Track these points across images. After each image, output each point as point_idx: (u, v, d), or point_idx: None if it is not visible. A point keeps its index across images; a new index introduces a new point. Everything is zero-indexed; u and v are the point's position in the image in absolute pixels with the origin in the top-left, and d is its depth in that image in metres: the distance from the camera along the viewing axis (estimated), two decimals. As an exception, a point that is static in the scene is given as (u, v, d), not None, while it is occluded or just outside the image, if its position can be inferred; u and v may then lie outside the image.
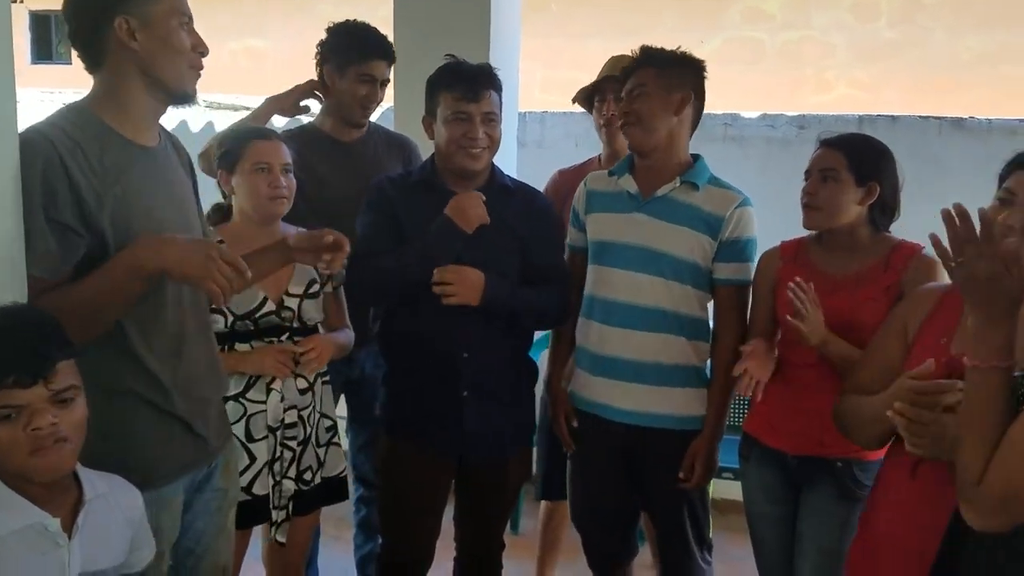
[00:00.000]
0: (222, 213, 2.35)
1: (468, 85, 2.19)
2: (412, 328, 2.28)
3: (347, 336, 2.46)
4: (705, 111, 2.40)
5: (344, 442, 2.61)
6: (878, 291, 2.03)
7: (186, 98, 1.75)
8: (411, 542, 2.39)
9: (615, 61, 2.81)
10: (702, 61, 2.32)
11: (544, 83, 7.54)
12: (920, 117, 3.86)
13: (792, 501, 2.19)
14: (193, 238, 1.74)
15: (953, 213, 1.29)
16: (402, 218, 2.25)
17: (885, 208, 2.12)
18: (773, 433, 2.21)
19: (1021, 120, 3.79)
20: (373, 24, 2.87)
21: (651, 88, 2.22)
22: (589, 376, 2.39)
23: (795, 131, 3.89)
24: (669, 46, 2.34)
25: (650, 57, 2.25)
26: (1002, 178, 1.69)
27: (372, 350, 2.58)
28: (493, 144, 2.25)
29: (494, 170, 2.33)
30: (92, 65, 1.70)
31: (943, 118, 3.84)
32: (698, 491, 2.38)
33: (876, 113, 3.92)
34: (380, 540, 2.55)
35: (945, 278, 1.91)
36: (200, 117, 5.30)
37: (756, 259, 2.31)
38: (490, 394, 2.30)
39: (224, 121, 5.31)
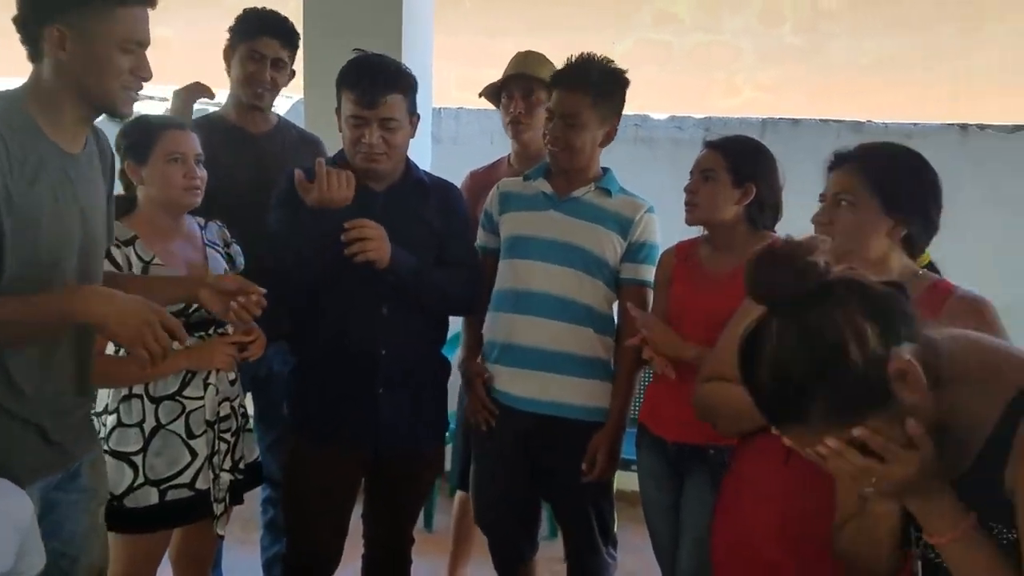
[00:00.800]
0: (128, 204, 2.28)
1: (366, 89, 2.16)
2: (328, 326, 2.26)
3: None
4: None
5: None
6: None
7: (115, 115, 1.74)
8: (318, 541, 2.37)
9: (522, 58, 2.83)
10: (629, 81, 2.38)
11: (460, 80, 7.54)
12: (820, 121, 4.00)
13: (676, 488, 2.27)
14: (135, 298, 1.68)
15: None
16: (316, 211, 2.22)
17: (764, 208, 2.22)
18: (656, 420, 2.29)
19: (916, 124, 3.97)
20: (285, 16, 2.83)
21: (585, 118, 2.28)
22: (497, 366, 2.42)
23: (702, 133, 3.98)
24: (581, 46, 2.38)
25: (586, 82, 2.28)
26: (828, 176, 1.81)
27: (280, 347, 2.54)
28: (392, 149, 2.22)
29: (409, 165, 2.32)
30: (31, 56, 1.67)
31: (842, 121, 3.99)
32: (602, 485, 2.43)
33: (779, 116, 4.04)
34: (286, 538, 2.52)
35: None
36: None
37: (655, 263, 2.40)
38: (405, 390, 2.30)
39: (127, 112, 5.15)
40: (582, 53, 2.37)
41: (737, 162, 2.19)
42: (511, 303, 2.39)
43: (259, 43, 2.71)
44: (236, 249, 2.43)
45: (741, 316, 1.96)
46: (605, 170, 2.45)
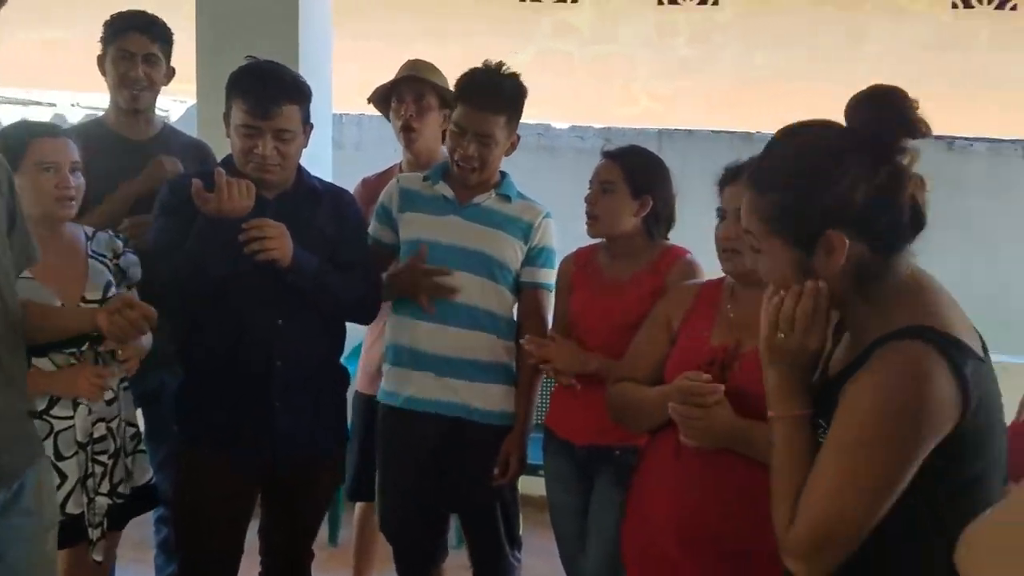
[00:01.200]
0: None
1: (260, 100, 2.10)
2: (222, 338, 2.20)
3: (148, 339, 2.34)
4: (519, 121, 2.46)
5: (142, 455, 2.48)
6: (646, 293, 2.19)
7: None
8: (212, 559, 2.30)
9: (411, 63, 2.80)
10: (527, 90, 2.40)
11: (362, 86, 7.46)
12: (713, 131, 4.14)
13: (585, 491, 2.31)
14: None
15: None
16: (214, 220, 2.14)
17: (659, 218, 2.29)
18: (563, 424, 2.33)
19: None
20: (177, 19, 2.77)
21: (499, 137, 2.30)
22: (404, 371, 2.40)
23: (602, 143, 4.05)
24: (484, 55, 2.40)
25: (500, 100, 2.29)
26: (721, 189, 1.89)
27: (169, 361, 2.46)
28: (286, 159, 2.18)
29: (300, 172, 2.28)
30: None
31: (734, 132, 4.14)
32: (509, 488, 2.44)
33: (674, 127, 4.16)
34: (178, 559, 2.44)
35: (702, 278, 2.09)
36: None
37: (554, 267, 2.43)
38: (302, 401, 2.26)
39: (12, 116, 4.92)
40: (488, 66, 2.37)
41: (635, 175, 2.25)
42: (413, 309, 2.38)
43: (127, 41, 2.64)
44: (130, 259, 2.32)
45: (650, 323, 2.03)
46: (502, 174, 2.47)
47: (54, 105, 5.25)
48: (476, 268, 2.35)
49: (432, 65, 2.80)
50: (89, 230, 2.30)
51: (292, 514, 2.41)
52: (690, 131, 4.17)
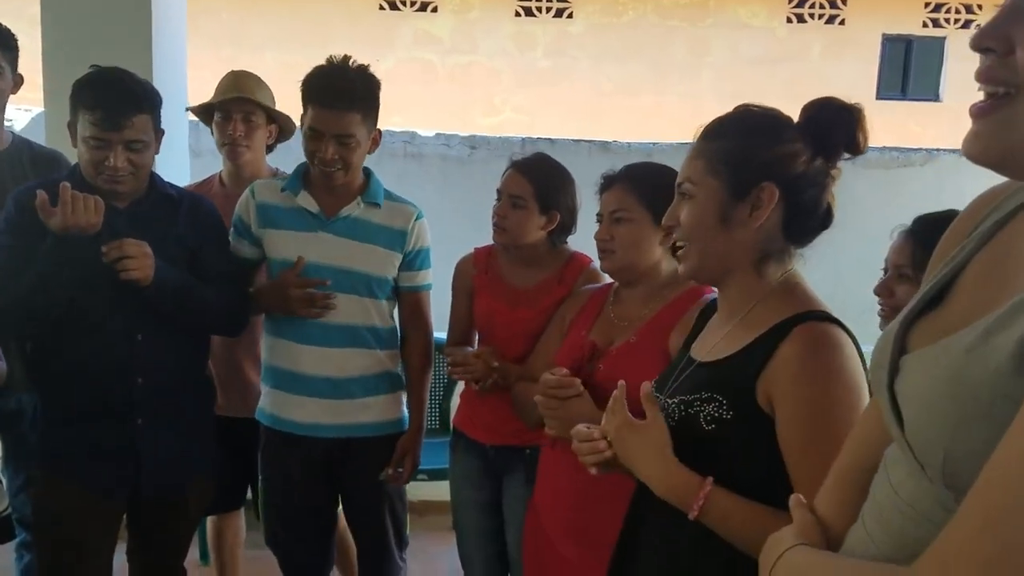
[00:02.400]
0: None
1: (109, 111, 2.00)
2: (74, 357, 2.07)
3: (2, 365, 2.21)
4: (385, 128, 2.47)
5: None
6: (553, 303, 2.24)
7: None
8: None
9: (237, 80, 2.71)
10: (380, 82, 2.35)
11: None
12: (573, 141, 4.28)
13: (493, 488, 2.35)
14: None
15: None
16: (61, 236, 2.03)
17: (563, 228, 2.35)
18: (472, 426, 2.37)
19: (655, 143, 4.35)
20: (20, 25, 2.63)
21: (359, 136, 2.20)
22: (286, 395, 2.34)
23: (468, 151, 4.13)
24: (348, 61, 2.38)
25: (353, 98, 2.21)
26: (600, 196, 2.00)
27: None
28: (139, 169, 2.08)
29: (154, 179, 2.18)
30: None
31: (592, 141, 4.29)
32: (397, 491, 2.45)
33: (536, 136, 4.28)
34: None
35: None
36: None
37: (431, 266, 2.44)
38: (167, 419, 2.16)
39: None
40: (334, 63, 2.29)
41: (545, 192, 2.27)
42: (291, 332, 2.29)
43: None
44: None
45: (551, 325, 2.12)
46: (367, 174, 2.40)
47: None
48: (353, 287, 2.28)
49: (257, 78, 2.72)
50: None
51: (161, 535, 2.32)
52: (552, 140, 4.29)
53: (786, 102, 1.46)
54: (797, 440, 1.28)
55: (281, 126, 2.67)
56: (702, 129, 1.43)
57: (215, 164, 3.63)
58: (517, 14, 7.70)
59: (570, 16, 7.70)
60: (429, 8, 7.67)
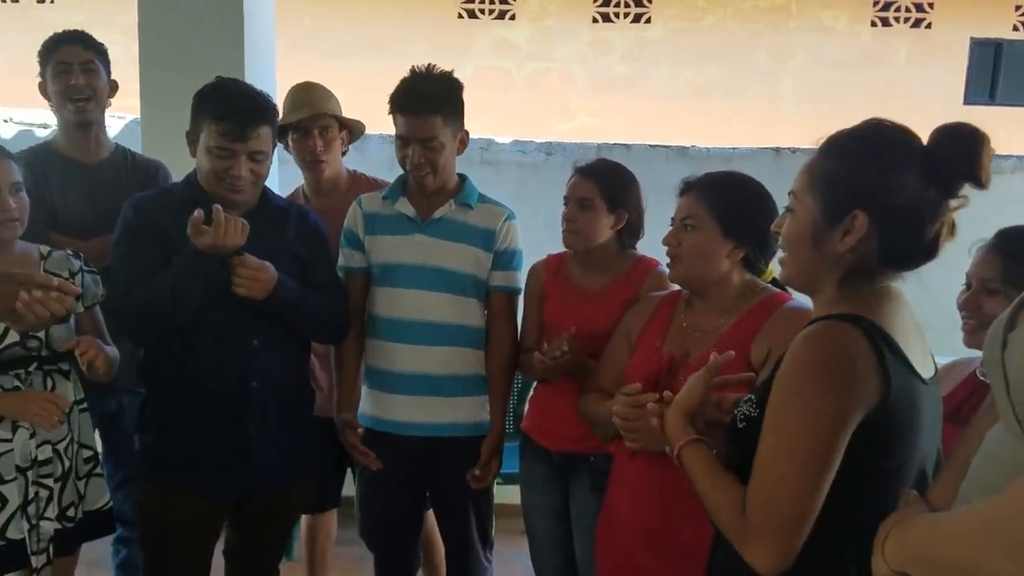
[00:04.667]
0: None
1: (235, 123, 2.05)
2: (190, 362, 2.14)
3: (115, 351, 2.29)
4: None
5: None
6: (618, 304, 2.25)
7: None
8: None
9: (308, 95, 2.74)
10: (462, 83, 2.39)
11: (299, 101, 7.43)
12: (650, 146, 4.26)
13: (561, 492, 2.37)
14: None
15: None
16: (175, 237, 2.11)
17: (632, 230, 2.36)
18: (540, 432, 2.38)
19: (735, 148, 4.30)
20: (113, 35, 2.75)
21: (442, 138, 2.27)
22: (381, 394, 2.41)
23: (543, 157, 4.16)
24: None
25: (433, 102, 2.27)
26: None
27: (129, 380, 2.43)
28: (260, 179, 2.17)
29: (265, 191, 2.27)
30: None
31: (669, 147, 4.26)
32: (483, 492, 2.48)
33: (612, 142, 4.27)
34: None
35: (672, 288, 2.18)
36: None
37: (522, 268, 2.47)
38: (276, 423, 2.22)
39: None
40: (415, 71, 2.36)
41: (611, 190, 2.29)
42: (388, 331, 2.38)
43: (61, 53, 2.60)
44: (90, 279, 2.27)
45: (615, 335, 2.11)
46: (462, 178, 2.47)
47: (-18, 122, 5.13)
48: (443, 286, 2.35)
49: (323, 88, 2.76)
50: (45, 249, 2.22)
51: (260, 542, 2.37)
52: (628, 145, 4.28)
53: (870, 107, 1.43)
54: (764, 432, 1.31)
55: (351, 130, 2.73)
56: (822, 141, 1.40)
57: (297, 173, 3.72)
58: (594, 20, 7.69)
59: (648, 21, 7.66)
60: (507, 16, 7.72)
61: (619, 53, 7.73)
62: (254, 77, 3.00)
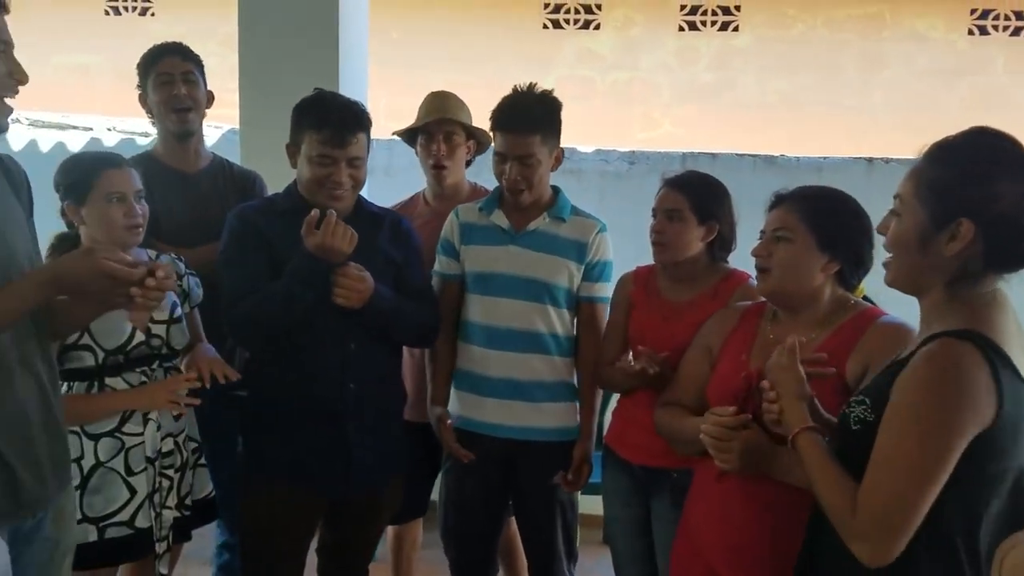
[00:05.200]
0: (69, 244, 2.23)
1: (335, 130, 2.17)
2: (291, 365, 2.23)
3: (212, 350, 2.41)
4: None
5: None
6: (706, 317, 2.24)
7: None
8: None
9: (439, 101, 2.83)
10: (562, 104, 2.45)
11: (388, 110, 7.59)
12: (737, 155, 4.20)
13: (642, 506, 2.37)
14: (73, 254, 1.66)
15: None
16: (277, 246, 2.20)
17: (723, 243, 2.34)
18: (622, 444, 2.39)
19: (825, 157, 4.21)
20: (211, 46, 2.86)
21: (539, 155, 2.35)
22: (470, 396, 2.47)
23: (626, 166, 4.14)
24: (506, 81, 2.47)
25: (533, 122, 2.34)
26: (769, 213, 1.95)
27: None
28: (358, 185, 2.27)
29: (360, 199, 2.35)
30: None
31: (757, 156, 4.19)
32: (570, 502, 2.50)
33: (698, 150, 4.22)
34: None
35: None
36: (22, 136, 4.99)
37: (612, 280, 2.49)
38: (372, 425, 2.30)
39: (49, 140, 5.04)
40: (517, 90, 2.42)
41: (701, 202, 2.29)
42: (481, 337, 2.46)
43: (162, 65, 2.72)
44: (193, 281, 2.39)
45: (693, 346, 2.10)
46: (555, 191, 2.53)
47: (90, 129, 5.36)
48: (533, 295, 2.42)
49: (456, 98, 2.85)
50: (152, 253, 2.36)
51: (352, 543, 2.44)
52: (714, 154, 4.22)
53: (966, 117, 1.42)
54: (880, 440, 1.37)
55: (479, 141, 2.79)
56: (927, 148, 1.45)
57: (386, 182, 3.82)
58: (680, 29, 7.63)
59: (736, 30, 7.56)
60: (592, 26, 7.72)
61: (705, 61, 7.64)
62: (347, 88, 3.09)
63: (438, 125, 2.79)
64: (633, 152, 4.23)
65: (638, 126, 7.58)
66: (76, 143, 5.00)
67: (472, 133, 2.82)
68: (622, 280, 2.50)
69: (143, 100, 2.81)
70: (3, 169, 1.79)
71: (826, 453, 1.47)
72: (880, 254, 1.76)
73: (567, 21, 7.72)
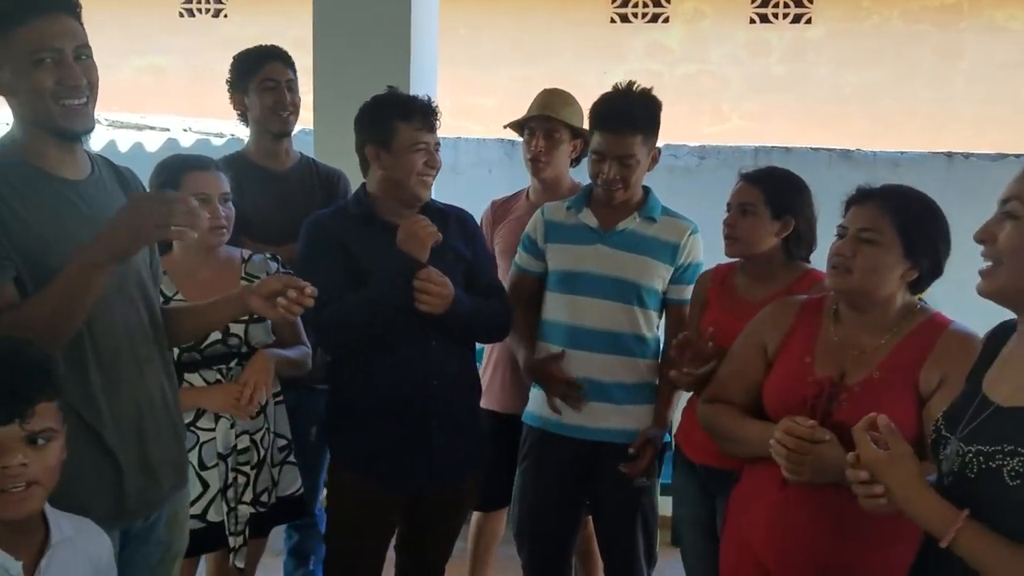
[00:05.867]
0: (162, 243, 2.30)
1: (425, 116, 2.23)
2: (375, 362, 2.27)
3: (300, 352, 2.44)
4: None
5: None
6: None
7: (67, 134, 1.69)
8: (359, 571, 2.38)
9: (547, 97, 2.86)
10: (661, 103, 2.42)
11: (455, 108, 7.64)
12: (811, 149, 4.10)
13: (707, 506, 2.33)
14: (120, 209, 1.67)
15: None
16: (354, 253, 2.24)
17: (801, 240, 2.28)
18: (687, 443, 2.36)
19: (903, 152, 4.08)
20: (283, 47, 2.90)
21: (639, 156, 2.34)
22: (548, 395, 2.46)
23: (696, 161, 4.08)
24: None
25: (634, 123, 2.33)
26: (844, 212, 1.88)
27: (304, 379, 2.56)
28: (434, 175, 2.31)
29: None
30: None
31: (832, 150, 4.09)
32: (651, 506, 2.48)
33: (770, 145, 4.14)
34: (323, 571, 2.52)
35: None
36: (102, 136, 5.15)
37: None
38: (453, 420, 2.32)
39: (128, 140, 5.19)
40: (618, 89, 2.41)
41: (776, 196, 2.24)
42: (563, 337, 2.44)
43: (269, 70, 2.78)
44: None
45: (744, 341, 2.04)
46: (646, 190, 2.50)
47: (167, 130, 5.51)
48: (624, 296, 2.39)
49: (565, 96, 2.85)
50: (246, 253, 2.42)
51: (431, 538, 2.46)
52: (788, 148, 4.13)
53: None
54: None
55: (587, 141, 2.79)
56: None
57: (452, 180, 3.85)
58: (751, 21, 7.50)
59: (809, 22, 7.40)
60: (660, 19, 7.64)
61: (777, 54, 7.50)
62: (417, 88, 3.12)
63: (539, 121, 2.82)
64: (703, 147, 4.17)
65: (706, 120, 7.47)
66: (153, 143, 5.15)
67: (578, 132, 2.82)
68: (701, 277, 2.46)
69: (238, 102, 2.87)
70: (115, 173, 1.86)
71: (999, 540, 1.28)
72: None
73: (635, 15, 7.66)
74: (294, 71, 2.84)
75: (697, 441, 2.32)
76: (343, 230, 2.28)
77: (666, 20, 7.58)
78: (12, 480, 1.38)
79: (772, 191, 2.26)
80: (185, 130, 5.50)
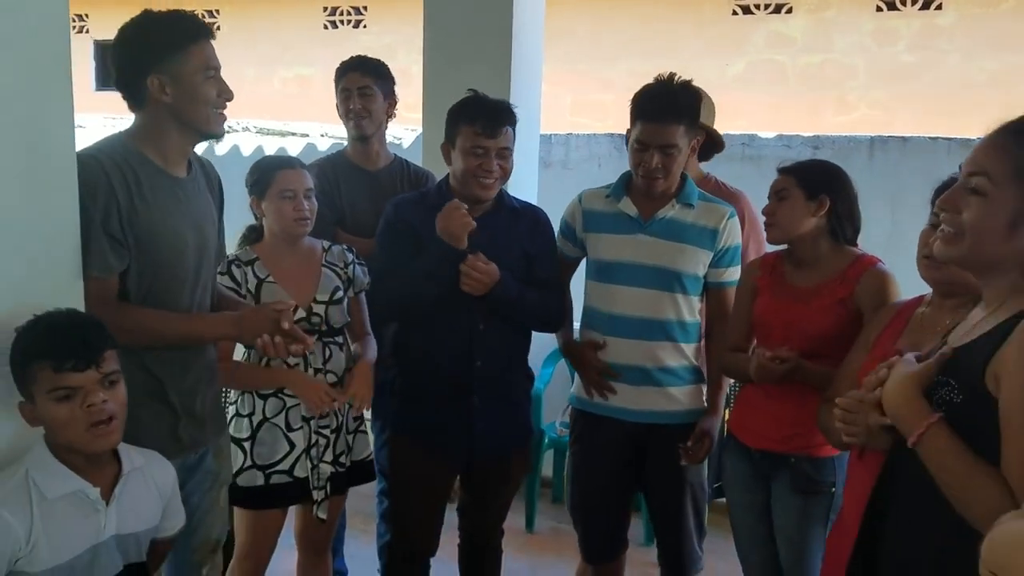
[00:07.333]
0: (256, 233, 2.57)
1: (488, 121, 2.35)
2: (427, 343, 2.45)
3: (373, 347, 2.68)
4: (724, 131, 2.51)
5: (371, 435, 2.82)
6: (832, 302, 2.20)
7: (213, 137, 2.07)
8: (418, 533, 2.58)
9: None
10: (701, 94, 2.48)
11: (573, 106, 7.73)
12: (930, 138, 3.99)
13: (762, 491, 2.36)
14: (259, 314, 2.05)
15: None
16: (423, 235, 2.43)
17: (842, 221, 2.28)
18: (742, 429, 2.40)
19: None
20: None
21: (681, 145, 2.39)
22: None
23: (810, 151, 4.05)
24: (695, 71, 2.49)
25: (677, 112, 2.39)
26: (933, 202, 1.86)
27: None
28: (504, 175, 2.43)
29: (502, 194, 2.51)
30: (133, 106, 1.98)
31: (952, 139, 3.96)
32: (699, 480, 2.55)
33: (888, 135, 4.06)
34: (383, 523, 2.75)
35: (896, 290, 2.11)
36: (251, 142, 5.56)
37: (740, 263, 2.50)
38: (497, 399, 2.47)
39: (273, 146, 5.59)
40: (660, 80, 2.45)
41: (807, 178, 2.26)
42: (604, 325, 2.50)
43: (344, 80, 3.07)
44: (360, 270, 2.67)
45: (857, 345, 2.06)
46: (682, 177, 2.53)
47: (307, 136, 5.88)
48: (665, 284, 2.43)
49: (703, 98, 2.88)
50: (326, 244, 2.67)
51: (485, 504, 2.65)
52: (904, 138, 4.04)
53: None
54: (1013, 417, 1.26)
55: (716, 140, 2.85)
56: (1014, 124, 1.34)
57: (563, 175, 3.95)
58: (878, 9, 7.29)
59: (939, 8, 7.13)
60: (783, 10, 7.54)
61: (905, 42, 7.26)
62: (518, 90, 3.27)
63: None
64: (817, 136, 4.13)
65: (832, 110, 7.31)
66: (295, 148, 5.52)
67: (708, 131, 2.83)
68: (749, 266, 2.47)
69: (337, 107, 3.18)
70: (204, 172, 2.16)
71: (962, 447, 1.31)
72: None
73: (757, 6, 7.58)
74: (377, 76, 3.07)
75: (752, 428, 2.35)
76: (417, 214, 2.46)
77: (789, 11, 7.46)
78: (99, 415, 1.63)
79: (803, 175, 2.26)
80: (322, 135, 5.83)
